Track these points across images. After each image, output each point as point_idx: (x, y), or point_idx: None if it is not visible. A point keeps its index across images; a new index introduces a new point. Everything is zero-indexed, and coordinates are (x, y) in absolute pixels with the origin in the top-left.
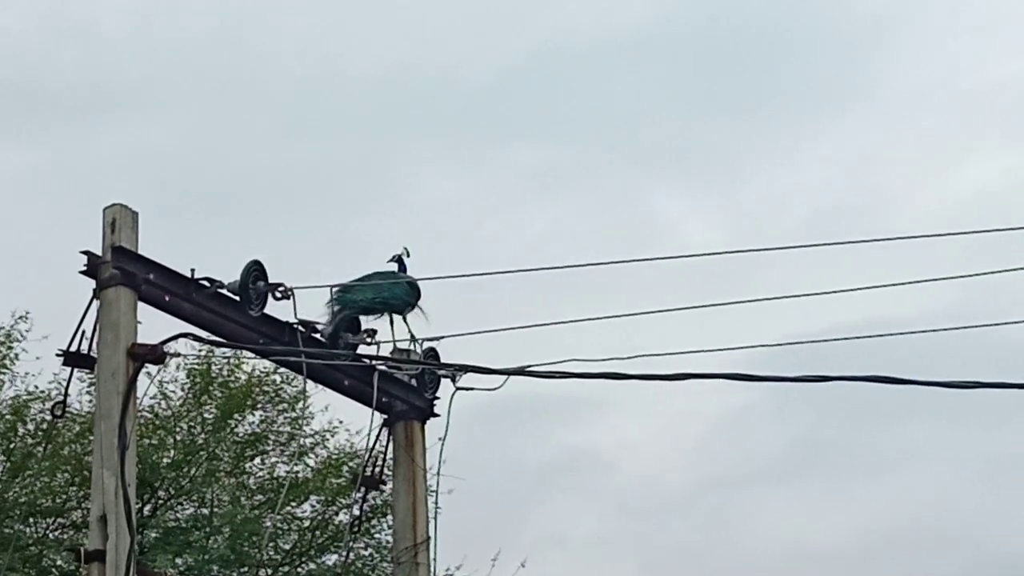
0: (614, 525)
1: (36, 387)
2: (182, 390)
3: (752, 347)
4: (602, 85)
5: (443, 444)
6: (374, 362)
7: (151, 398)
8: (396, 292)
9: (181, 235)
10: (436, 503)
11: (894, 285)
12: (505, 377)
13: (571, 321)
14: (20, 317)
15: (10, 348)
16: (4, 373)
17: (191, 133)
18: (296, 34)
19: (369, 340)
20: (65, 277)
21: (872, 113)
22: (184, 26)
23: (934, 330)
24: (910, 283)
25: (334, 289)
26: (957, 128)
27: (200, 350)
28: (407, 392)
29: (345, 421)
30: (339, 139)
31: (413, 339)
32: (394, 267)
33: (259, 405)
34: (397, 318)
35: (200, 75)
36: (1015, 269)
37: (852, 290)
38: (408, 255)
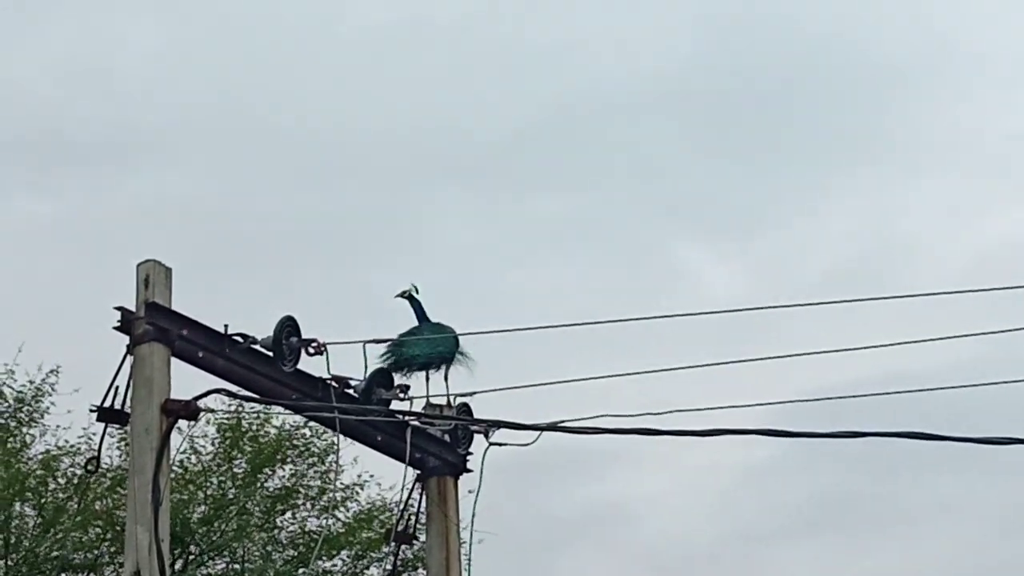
0: None
1: (66, 441)
2: (212, 445)
3: (785, 403)
4: (623, 136)
5: (476, 500)
6: (407, 418)
7: (181, 453)
8: (449, 346)
9: (204, 284)
10: (469, 558)
11: (917, 342)
12: (538, 433)
13: (601, 377)
14: (50, 371)
15: (39, 402)
16: (34, 427)
17: (212, 183)
18: (318, 84)
19: (402, 396)
20: (92, 329)
21: (893, 164)
22: (205, 76)
23: (960, 386)
24: (934, 340)
25: (385, 344)
26: (979, 180)
27: (231, 405)
28: (440, 447)
29: (375, 475)
30: (360, 190)
31: (449, 394)
32: (405, 303)
33: (289, 459)
34: (437, 373)
35: (220, 126)
36: None
37: (875, 347)
38: (417, 291)
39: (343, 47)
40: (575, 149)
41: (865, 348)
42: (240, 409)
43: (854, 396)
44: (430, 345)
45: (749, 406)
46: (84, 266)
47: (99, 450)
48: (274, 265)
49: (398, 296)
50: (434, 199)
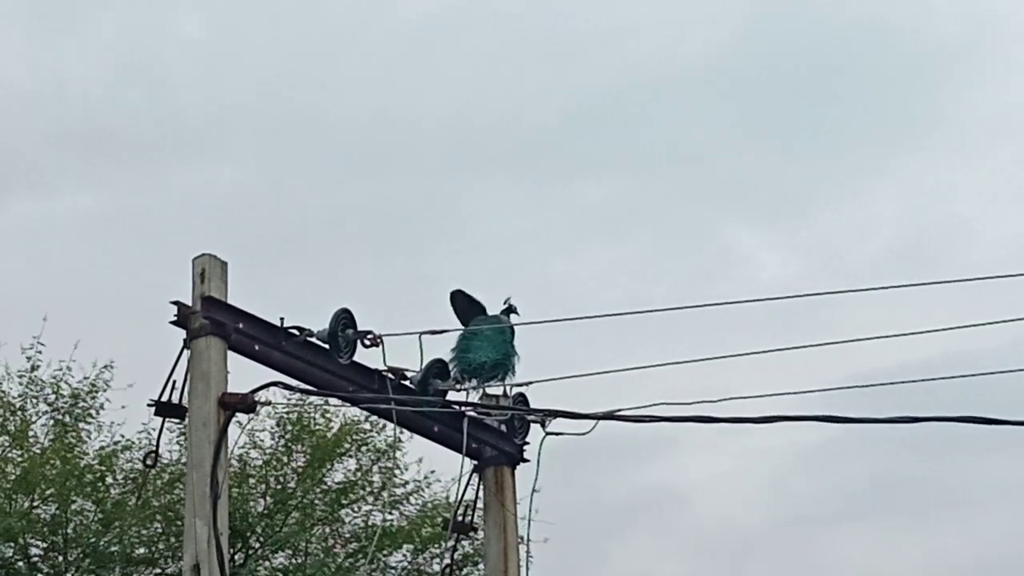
0: (693, 564)
1: (123, 436)
2: (272, 438)
3: (839, 389)
4: (671, 120)
5: (534, 491)
6: (464, 408)
7: (240, 447)
8: (509, 348)
9: (258, 277)
10: (528, 552)
11: (971, 326)
12: (595, 422)
13: (657, 365)
14: (104, 366)
15: (95, 398)
16: (90, 423)
17: (261, 175)
18: (365, 73)
19: (458, 386)
20: (144, 323)
21: (945, 146)
22: (251, 68)
23: (1013, 370)
24: (987, 324)
25: (450, 349)
26: None
27: (289, 398)
28: (497, 438)
29: (439, 471)
30: (409, 179)
31: (505, 385)
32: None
33: (349, 453)
34: (501, 381)
35: (268, 117)
36: None
37: (927, 332)
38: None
39: (389, 35)
40: (623, 134)
41: (917, 333)
42: (300, 403)
43: (907, 381)
44: (493, 349)
45: (804, 392)
46: (135, 260)
47: (157, 444)
48: (326, 256)
49: (503, 312)
50: (483, 186)
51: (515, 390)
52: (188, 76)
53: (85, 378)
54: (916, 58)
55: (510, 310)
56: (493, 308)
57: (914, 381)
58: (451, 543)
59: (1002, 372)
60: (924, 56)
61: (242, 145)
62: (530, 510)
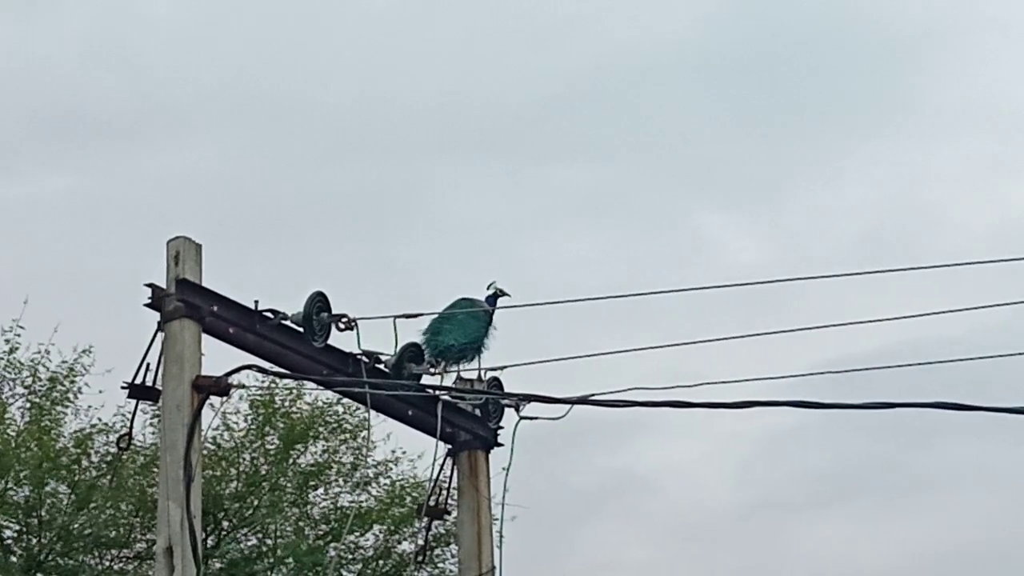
0: (664, 550)
1: (99, 420)
2: (245, 421)
3: (811, 375)
4: (644, 106)
5: (507, 474)
6: (438, 392)
7: (213, 429)
8: (481, 332)
9: (233, 260)
10: (501, 533)
11: (941, 313)
12: (569, 406)
13: (632, 350)
14: (83, 351)
15: (73, 382)
16: (67, 407)
17: (236, 159)
18: (341, 57)
19: (433, 370)
20: (124, 307)
21: (918, 132)
22: (226, 51)
23: (983, 357)
24: (958, 311)
25: (421, 331)
26: (1002, 146)
27: (264, 382)
28: (471, 422)
29: (407, 450)
30: (384, 163)
31: (480, 368)
32: (481, 297)
33: (321, 435)
34: (471, 362)
35: (243, 101)
36: None
37: (900, 318)
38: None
39: (365, 18)
40: (598, 119)
41: (888, 320)
42: (273, 385)
43: (879, 368)
44: (463, 332)
45: (778, 378)
46: (112, 243)
47: (131, 427)
48: (302, 240)
49: (490, 297)
50: (458, 171)
51: (489, 374)
52: (162, 58)
53: (63, 362)
54: (888, 44)
55: (496, 295)
56: (477, 293)
57: (886, 367)
58: (423, 525)
59: (972, 359)
60: (896, 42)
61: (217, 128)
62: (504, 491)
